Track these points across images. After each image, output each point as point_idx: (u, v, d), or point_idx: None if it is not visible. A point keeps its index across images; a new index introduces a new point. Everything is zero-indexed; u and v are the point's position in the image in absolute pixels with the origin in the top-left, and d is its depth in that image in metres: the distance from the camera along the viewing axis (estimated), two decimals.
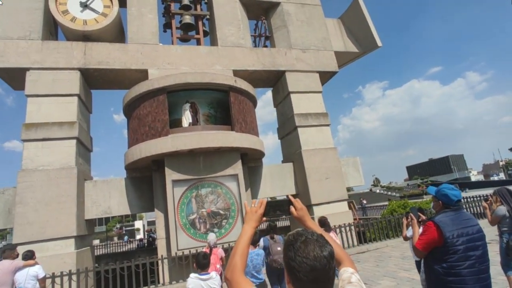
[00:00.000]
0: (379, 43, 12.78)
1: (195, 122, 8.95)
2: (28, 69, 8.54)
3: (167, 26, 11.46)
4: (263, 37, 12.83)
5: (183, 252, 7.55)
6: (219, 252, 5.26)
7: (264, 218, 1.47)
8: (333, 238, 5.07)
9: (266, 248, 4.92)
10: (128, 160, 8.50)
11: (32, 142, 8.03)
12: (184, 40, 11.54)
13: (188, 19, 11.00)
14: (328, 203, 10.06)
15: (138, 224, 40.34)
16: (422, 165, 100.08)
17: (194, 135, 8.06)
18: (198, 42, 11.31)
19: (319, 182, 10.02)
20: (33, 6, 9.18)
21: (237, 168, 8.58)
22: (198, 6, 11.55)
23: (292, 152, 11.04)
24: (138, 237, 29.78)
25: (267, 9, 12.76)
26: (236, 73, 10.45)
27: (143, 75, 9.60)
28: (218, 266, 5.01)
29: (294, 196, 10.74)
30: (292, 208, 1.52)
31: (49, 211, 7.59)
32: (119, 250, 20.61)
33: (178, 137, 8.01)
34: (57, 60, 8.77)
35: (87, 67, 9.00)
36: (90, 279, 7.16)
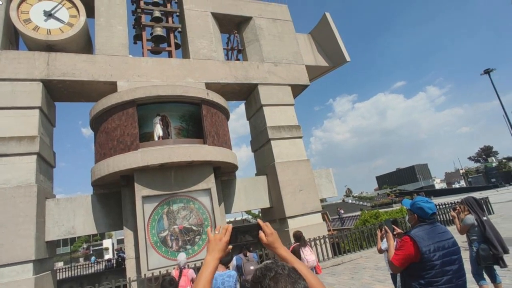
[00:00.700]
0: (348, 58, 13.27)
1: (166, 135, 8.71)
2: None
3: (137, 38, 11.24)
4: (235, 51, 12.91)
5: (152, 273, 7.17)
6: (189, 273, 5.01)
7: (230, 247, 1.31)
8: (309, 252, 4.96)
9: (239, 268, 4.73)
10: (95, 176, 8.07)
11: None
12: (155, 52, 11.35)
13: (159, 31, 10.85)
14: (303, 215, 10.07)
15: (107, 243, 38.32)
16: (390, 175, 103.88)
17: (165, 149, 7.82)
18: (170, 55, 11.16)
19: (293, 195, 10.03)
20: None
21: (210, 182, 8.39)
22: (170, 19, 11.46)
23: (265, 165, 11.03)
24: (106, 257, 28.23)
25: (239, 23, 12.91)
26: (209, 86, 10.38)
27: (111, 87, 9.27)
28: None
29: (269, 209, 10.73)
30: (261, 234, 1.35)
31: (4, 233, 6.97)
32: (85, 273, 19.36)
33: (148, 151, 7.74)
34: (17, 70, 8.27)
35: (50, 78, 8.55)
36: None
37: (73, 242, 43.21)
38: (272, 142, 10.67)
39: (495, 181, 59.56)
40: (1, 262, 6.82)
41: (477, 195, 29.67)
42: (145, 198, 7.67)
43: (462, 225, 4.19)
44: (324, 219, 12.69)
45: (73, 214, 8.37)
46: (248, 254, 4.95)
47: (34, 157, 7.77)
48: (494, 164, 70.23)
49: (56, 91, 9.14)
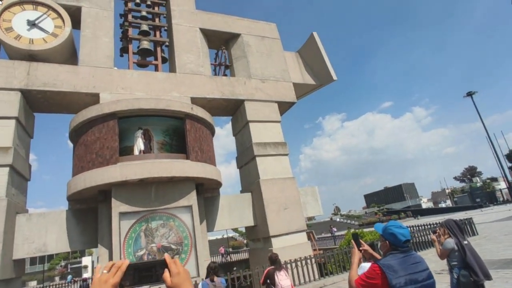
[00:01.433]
0: (334, 77, 13.42)
1: (148, 150, 8.48)
2: None
3: (124, 50, 11.14)
4: (223, 66, 12.91)
5: None
6: None
7: None
8: (284, 277, 4.68)
9: None
10: (71, 190, 7.72)
11: None
12: (141, 65, 11.24)
13: (146, 44, 10.79)
14: (287, 234, 9.82)
15: (86, 260, 36.72)
16: (378, 193, 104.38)
17: (145, 164, 7.57)
18: (156, 68, 11.06)
19: (277, 213, 9.82)
20: None
21: (192, 199, 8.14)
22: (158, 33, 11.44)
23: (250, 182, 10.83)
24: (84, 275, 27.00)
25: (228, 40, 12.98)
26: (194, 100, 10.26)
27: (94, 99, 9.05)
28: None
29: (253, 228, 10.43)
30: (166, 273, 1.06)
31: None
32: None
33: (127, 165, 7.48)
34: None
35: (30, 88, 8.29)
36: None
37: (50, 259, 41.41)
38: (258, 159, 10.52)
39: (480, 201, 60.43)
40: None
41: (463, 215, 29.95)
42: (123, 215, 7.34)
43: (442, 250, 4.03)
44: (309, 238, 12.46)
45: (45, 230, 7.94)
46: (216, 279, 4.65)
47: (7, 169, 7.41)
48: (478, 184, 71.49)
49: (36, 102, 8.86)
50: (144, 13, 11.34)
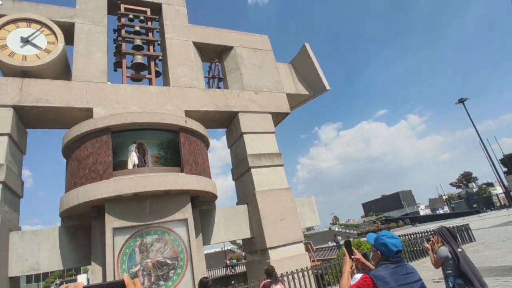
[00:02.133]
0: (327, 87, 13.55)
1: (142, 164, 8.44)
2: None
3: (117, 65, 11.19)
4: (216, 79, 13.01)
5: None
6: None
7: None
8: None
9: None
10: (64, 207, 7.61)
11: None
12: (135, 79, 11.28)
13: (140, 59, 10.85)
14: (285, 245, 9.73)
15: (81, 278, 36.05)
16: (376, 202, 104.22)
17: (139, 178, 7.52)
18: (150, 82, 11.10)
19: (274, 224, 9.74)
20: None
21: (187, 212, 8.06)
22: (151, 47, 11.53)
23: (246, 193, 10.78)
24: None
25: (221, 52, 13.12)
26: (188, 113, 10.29)
27: (87, 114, 9.04)
28: None
29: (249, 240, 10.33)
30: None
31: None
32: None
33: (121, 180, 7.41)
34: None
35: (22, 105, 8.28)
36: None
37: (46, 277, 40.56)
38: (253, 170, 10.50)
39: (477, 206, 60.53)
40: None
41: (460, 221, 29.94)
42: (116, 230, 7.24)
43: (436, 258, 4.00)
44: (307, 249, 12.35)
45: (38, 248, 7.79)
46: None
47: None
48: (474, 190, 71.77)
49: (29, 118, 8.83)
50: (137, 28, 11.46)
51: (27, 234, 7.92)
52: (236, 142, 11.63)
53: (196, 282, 7.40)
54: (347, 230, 60.25)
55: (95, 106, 9.09)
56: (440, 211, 74.14)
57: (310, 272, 9.03)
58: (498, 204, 60.68)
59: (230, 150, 12.36)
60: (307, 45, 14.16)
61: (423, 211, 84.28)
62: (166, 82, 11.33)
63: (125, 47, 11.10)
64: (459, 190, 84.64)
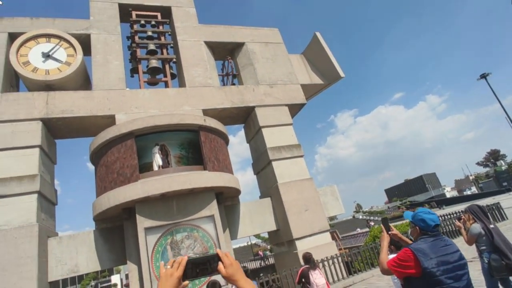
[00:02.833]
0: (342, 74, 13.41)
1: (166, 164, 8.69)
2: None
3: (134, 71, 11.49)
4: (230, 76, 13.11)
5: None
6: None
7: (186, 283, 1.21)
8: (319, 275, 4.75)
9: None
10: (96, 211, 7.99)
11: None
12: (152, 83, 11.55)
13: (155, 63, 11.11)
14: (311, 235, 9.81)
15: (115, 278, 37.48)
16: (399, 187, 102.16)
17: (165, 178, 7.77)
18: (166, 85, 11.34)
19: (298, 215, 9.82)
20: None
21: (213, 208, 8.26)
22: (165, 50, 11.76)
23: (269, 186, 10.89)
24: None
25: (233, 49, 13.20)
26: (206, 112, 10.46)
27: (110, 121, 9.38)
28: None
29: (275, 232, 10.46)
30: (220, 265, 1.23)
31: (6, 276, 6.82)
32: None
33: (148, 181, 7.69)
34: (17, 111, 8.42)
35: (49, 117, 8.69)
36: None
37: (81, 280, 42.37)
38: (274, 163, 10.59)
39: (507, 184, 58.24)
40: None
41: (490, 200, 29.00)
42: (148, 230, 7.53)
43: (468, 235, 3.99)
44: (333, 237, 12.36)
45: (76, 251, 8.22)
46: None
47: (35, 196, 7.74)
48: (503, 168, 69.04)
49: (56, 129, 9.26)
50: (149, 33, 11.69)
51: (65, 239, 8.36)
52: (254, 136, 11.74)
53: None
54: (371, 217, 59.50)
55: (117, 113, 9.42)
56: (468, 192, 71.90)
57: (339, 259, 9.08)
58: None
59: (249, 145, 12.49)
60: (318, 34, 14.02)
61: (449, 193, 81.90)
62: (181, 84, 11.55)
63: (140, 52, 11.37)
64: (487, 169, 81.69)
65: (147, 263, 7.23)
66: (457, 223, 4.33)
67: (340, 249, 13.54)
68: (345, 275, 9.15)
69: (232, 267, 1.20)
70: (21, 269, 6.98)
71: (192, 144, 9.39)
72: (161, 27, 12.10)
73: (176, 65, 12.08)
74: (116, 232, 8.67)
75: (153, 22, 11.96)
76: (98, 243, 8.44)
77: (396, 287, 4.45)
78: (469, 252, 8.04)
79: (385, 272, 2.32)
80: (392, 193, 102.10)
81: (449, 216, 12.72)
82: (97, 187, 8.65)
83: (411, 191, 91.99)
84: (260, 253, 28.93)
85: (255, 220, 10.11)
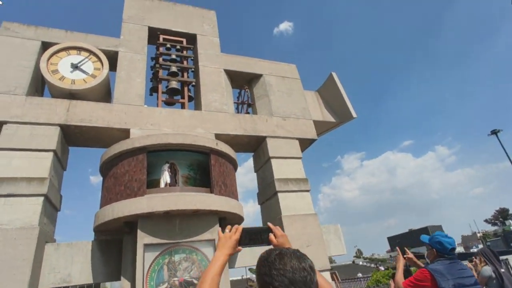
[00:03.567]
0: (354, 115, 13.64)
1: (173, 183, 8.73)
2: (5, 122, 8.39)
3: (153, 90, 11.90)
4: (245, 105, 13.45)
5: None
6: None
7: (240, 248, 1.34)
8: None
9: None
10: (99, 221, 7.95)
11: None
12: (169, 103, 11.90)
13: (175, 84, 11.53)
14: None
15: None
16: (402, 236, 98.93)
17: (171, 196, 7.78)
18: (183, 106, 11.68)
19: (300, 250, 9.56)
20: (24, 64, 9.44)
21: (215, 232, 8.15)
22: (185, 74, 12.23)
23: (272, 218, 10.75)
24: None
25: (250, 80, 13.66)
26: (218, 137, 10.64)
27: (124, 134, 9.59)
28: None
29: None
30: (271, 236, 1.42)
31: None
32: None
33: (154, 197, 7.70)
34: (38, 115, 8.72)
35: (68, 124, 8.95)
36: None
37: None
38: (279, 194, 10.54)
39: None
40: None
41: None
42: (147, 246, 7.43)
43: (479, 278, 3.91)
44: (333, 279, 11.92)
45: (71, 260, 8.08)
46: None
47: (41, 199, 7.79)
48: None
49: (72, 136, 9.49)
50: (173, 56, 12.25)
51: (62, 246, 8.26)
52: (263, 166, 11.79)
53: None
54: (372, 265, 57.25)
55: (132, 127, 9.65)
56: (474, 250, 69.23)
57: None
58: None
59: (256, 174, 12.51)
60: (334, 74, 14.48)
61: (456, 249, 78.94)
62: (197, 107, 11.87)
63: (162, 73, 11.85)
64: (495, 227, 79.17)
65: (141, 280, 7.05)
66: (469, 264, 4.25)
67: None
68: None
69: (283, 237, 1.39)
70: (15, 271, 6.86)
71: (201, 166, 9.47)
72: (185, 52, 12.68)
73: (194, 88, 12.50)
74: (114, 245, 8.55)
75: (178, 47, 12.56)
76: (95, 255, 8.30)
77: None
78: None
79: None
80: (395, 241, 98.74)
81: None
82: (102, 197, 8.67)
83: (414, 241, 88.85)
84: None
85: (255, 250, 9.85)
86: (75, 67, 9.92)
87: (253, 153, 12.81)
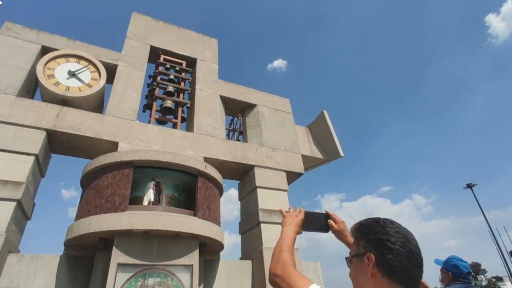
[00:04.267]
0: (342, 153, 13.92)
1: (156, 202, 8.46)
2: None
3: (147, 107, 11.87)
4: (237, 132, 13.54)
5: None
6: None
7: (300, 229, 1.37)
8: None
9: None
10: (72, 234, 7.49)
11: None
12: (161, 122, 11.84)
13: (169, 104, 11.56)
14: None
15: None
16: None
17: (153, 215, 7.50)
18: (175, 126, 11.64)
19: None
20: (21, 65, 9.30)
21: (194, 258, 7.81)
22: (181, 95, 12.33)
23: (252, 249, 10.45)
24: None
25: (244, 108, 13.87)
26: (207, 160, 10.55)
27: (113, 147, 9.37)
28: None
29: None
30: (331, 222, 1.48)
31: None
32: None
33: (136, 214, 7.40)
34: (26, 117, 8.45)
35: (55, 129, 8.69)
36: None
37: None
38: (262, 225, 10.34)
39: None
40: None
41: None
42: (121, 266, 6.99)
43: None
44: None
45: (34, 275, 7.46)
46: None
47: (14, 204, 7.33)
48: (484, 283, 67.16)
49: (58, 143, 9.18)
50: (172, 77, 12.40)
51: (26, 258, 7.65)
52: (248, 195, 11.65)
53: None
54: None
55: (121, 141, 9.47)
56: None
57: None
58: None
59: (240, 202, 12.31)
60: (325, 112, 14.92)
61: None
62: (189, 128, 11.85)
63: (158, 91, 11.90)
64: None
65: None
66: None
67: None
68: None
69: (343, 224, 1.42)
70: None
71: (186, 188, 9.27)
72: (183, 74, 12.87)
73: (188, 110, 12.54)
74: (84, 262, 7.99)
75: (177, 68, 12.78)
76: (61, 271, 7.71)
77: None
78: None
79: None
80: None
81: None
82: (79, 209, 8.26)
83: None
84: None
85: (232, 282, 9.45)
86: (72, 74, 9.84)
87: (239, 181, 12.69)
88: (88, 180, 8.60)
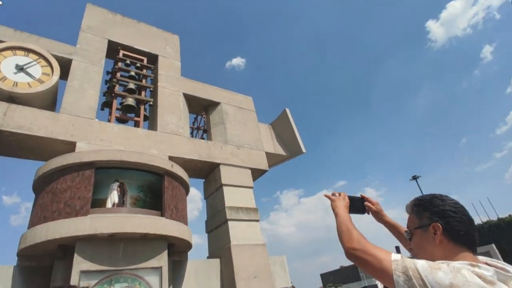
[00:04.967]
0: (304, 150, 14.40)
1: (121, 204, 8.13)
2: None
3: (106, 104, 11.27)
4: (201, 130, 13.42)
5: None
6: None
7: None
8: None
9: None
10: (27, 243, 6.93)
11: None
12: (122, 120, 11.32)
13: (131, 101, 11.09)
14: None
15: None
16: (334, 272, 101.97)
17: (118, 218, 7.20)
18: (136, 125, 11.20)
19: (247, 282, 9.38)
20: None
21: (162, 260, 7.65)
22: (143, 92, 11.88)
23: (220, 247, 10.46)
24: None
25: (208, 106, 13.75)
26: (172, 159, 10.32)
27: (69, 147, 8.79)
28: None
29: None
30: (368, 204, 1.63)
31: None
32: None
33: (99, 218, 7.05)
34: None
35: (2, 129, 7.93)
36: None
37: None
38: (230, 222, 10.39)
39: None
40: None
41: None
42: (84, 274, 6.63)
43: None
44: None
45: None
46: None
47: None
48: None
49: (5, 143, 8.39)
50: (132, 73, 11.88)
51: None
52: (214, 193, 11.60)
53: None
54: None
55: (79, 141, 8.91)
56: None
57: None
58: None
59: (206, 201, 12.24)
60: (287, 110, 15.30)
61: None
62: (153, 127, 11.48)
63: (118, 89, 11.35)
64: None
65: None
66: None
67: None
68: None
69: (378, 204, 1.58)
70: None
71: (152, 188, 9.00)
72: (144, 71, 12.40)
73: (151, 108, 12.14)
74: (40, 273, 7.44)
75: (138, 64, 12.27)
76: (16, 283, 7.10)
77: None
78: None
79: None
80: (327, 278, 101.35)
81: None
82: (33, 216, 7.65)
83: (345, 278, 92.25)
84: None
85: (200, 282, 9.39)
86: (20, 68, 9.04)
87: (204, 180, 12.59)
88: (42, 183, 7.99)
